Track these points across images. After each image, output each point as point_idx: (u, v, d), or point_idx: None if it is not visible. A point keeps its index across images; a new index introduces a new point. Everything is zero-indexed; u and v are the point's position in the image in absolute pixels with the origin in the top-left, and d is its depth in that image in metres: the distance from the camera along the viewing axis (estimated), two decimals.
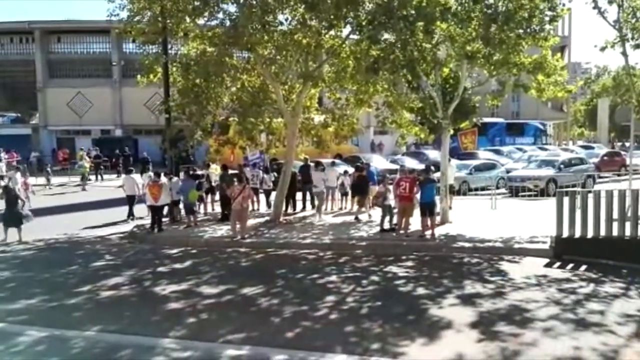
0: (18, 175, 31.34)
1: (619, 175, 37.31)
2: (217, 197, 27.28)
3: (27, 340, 11.17)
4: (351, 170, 28.92)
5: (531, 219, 22.81)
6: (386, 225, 21.86)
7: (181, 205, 25.59)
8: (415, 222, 21.14)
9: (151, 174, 27.80)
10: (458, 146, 50.26)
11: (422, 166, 29.39)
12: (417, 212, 21.06)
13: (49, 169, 44.53)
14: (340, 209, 28.06)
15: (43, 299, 14.31)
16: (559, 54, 24.83)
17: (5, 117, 79.29)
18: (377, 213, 23.45)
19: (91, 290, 15.02)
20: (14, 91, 73.91)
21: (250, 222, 23.83)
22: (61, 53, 69.78)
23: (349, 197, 27.70)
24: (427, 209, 20.59)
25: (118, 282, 15.79)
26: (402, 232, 20.92)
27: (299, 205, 28.32)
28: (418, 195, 21.04)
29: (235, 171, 27.30)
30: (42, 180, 41.84)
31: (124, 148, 55.21)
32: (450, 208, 24.23)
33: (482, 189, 32.46)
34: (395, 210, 21.77)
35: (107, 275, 16.68)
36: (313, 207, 28.17)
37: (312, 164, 29.15)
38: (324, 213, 26.57)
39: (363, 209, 25.49)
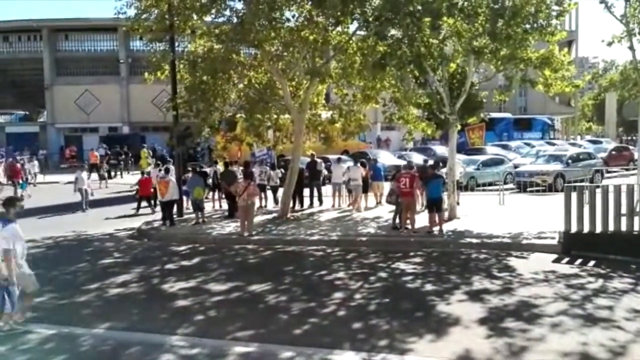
0: (84, 174, 31.06)
1: (627, 169, 37.21)
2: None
3: (36, 337, 11.17)
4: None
5: (539, 215, 22.82)
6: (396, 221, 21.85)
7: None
8: (422, 218, 21.14)
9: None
10: (466, 141, 50.25)
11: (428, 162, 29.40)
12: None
13: (103, 168, 44.03)
14: (349, 205, 28.06)
15: (52, 296, 14.32)
16: (566, 49, 24.79)
17: (13, 115, 79.61)
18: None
19: (100, 287, 15.06)
20: (22, 89, 74.21)
21: (258, 218, 23.89)
22: (69, 51, 70.05)
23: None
24: (434, 205, 20.59)
25: (126, 280, 15.83)
26: (408, 227, 20.89)
27: (307, 201, 28.34)
28: (418, 191, 21.10)
29: (241, 167, 27.31)
30: (49, 177, 41.93)
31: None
32: (458, 204, 24.23)
33: (490, 184, 32.45)
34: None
35: (115, 272, 16.72)
36: (320, 203, 28.21)
37: (319, 160, 29.22)
38: (333, 209, 26.73)
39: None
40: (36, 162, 44.80)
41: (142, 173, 26.75)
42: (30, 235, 22.15)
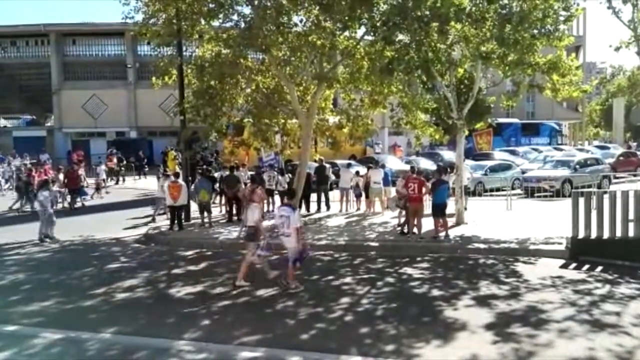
0: (166, 184, 26.92)
1: (635, 175, 37.11)
2: None
3: (42, 342, 11.20)
4: (363, 171, 28.86)
5: (547, 220, 22.77)
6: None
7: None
8: (429, 223, 21.11)
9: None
10: (473, 147, 50.21)
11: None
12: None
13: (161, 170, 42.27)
14: (358, 209, 28.07)
15: (58, 301, 14.37)
16: (573, 54, 24.68)
17: (21, 119, 79.74)
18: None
19: (106, 292, 15.07)
20: (29, 93, 74.30)
21: (265, 223, 23.85)
22: (76, 55, 70.17)
23: (363, 198, 27.75)
24: (439, 210, 20.58)
25: (133, 284, 15.83)
26: (415, 232, 20.84)
27: (314, 206, 28.32)
28: (426, 196, 21.12)
29: (249, 172, 27.30)
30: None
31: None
32: (465, 209, 24.19)
33: (498, 189, 32.39)
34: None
35: (122, 277, 16.74)
36: (328, 208, 28.20)
37: (327, 165, 29.24)
38: (340, 214, 26.76)
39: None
40: (103, 167, 42.98)
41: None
42: (36, 239, 22.32)
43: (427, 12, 20.39)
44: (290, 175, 29.46)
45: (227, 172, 28.55)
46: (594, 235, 17.39)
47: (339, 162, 34.48)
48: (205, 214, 24.85)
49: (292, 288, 14.55)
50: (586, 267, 16.43)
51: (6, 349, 10.86)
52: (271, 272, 15.59)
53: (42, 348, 10.94)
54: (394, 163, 40.43)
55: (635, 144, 73.43)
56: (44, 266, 18.67)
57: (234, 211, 25.64)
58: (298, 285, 14.69)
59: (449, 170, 25.20)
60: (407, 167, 34.67)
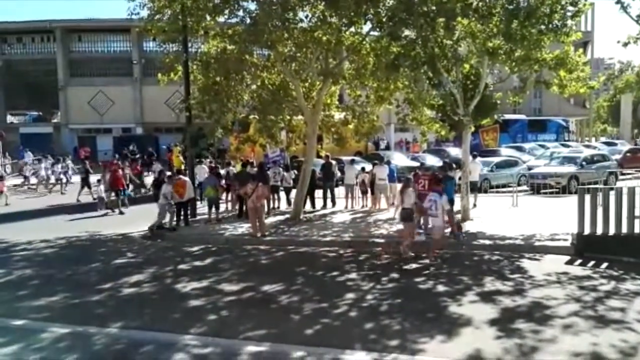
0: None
1: None
2: None
3: (50, 336, 11.27)
4: (369, 167, 28.85)
5: (553, 216, 22.73)
6: None
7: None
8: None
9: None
10: (479, 143, 50.13)
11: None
12: None
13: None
14: (364, 206, 28.08)
15: (65, 296, 14.43)
16: (581, 50, 24.42)
17: (27, 115, 79.87)
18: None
19: (113, 287, 15.13)
20: (36, 90, 74.43)
21: (271, 219, 23.97)
22: (82, 52, 70.36)
23: (369, 194, 27.74)
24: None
25: (139, 280, 15.90)
26: (422, 229, 20.81)
27: (320, 202, 28.33)
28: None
29: (254, 169, 27.35)
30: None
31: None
32: (475, 205, 24.15)
33: (504, 186, 32.36)
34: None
35: (128, 272, 16.78)
36: (333, 204, 28.21)
37: (333, 162, 29.25)
38: (346, 210, 26.75)
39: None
40: (159, 164, 40.09)
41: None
42: (43, 235, 22.41)
43: (434, 8, 20.37)
44: (295, 171, 29.48)
45: (232, 168, 28.64)
46: (599, 231, 17.35)
47: (344, 158, 34.50)
48: (213, 209, 24.95)
49: (432, 260, 17.15)
50: (591, 263, 16.39)
51: (14, 343, 10.92)
52: (408, 250, 17.89)
53: (50, 342, 11.01)
54: (400, 159, 40.43)
55: None
56: (51, 261, 18.73)
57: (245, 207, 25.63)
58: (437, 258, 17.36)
59: (454, 166, 25.17)
60: (413, 164, 34.90)
